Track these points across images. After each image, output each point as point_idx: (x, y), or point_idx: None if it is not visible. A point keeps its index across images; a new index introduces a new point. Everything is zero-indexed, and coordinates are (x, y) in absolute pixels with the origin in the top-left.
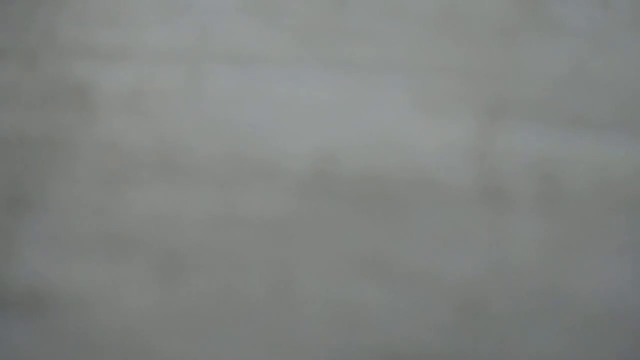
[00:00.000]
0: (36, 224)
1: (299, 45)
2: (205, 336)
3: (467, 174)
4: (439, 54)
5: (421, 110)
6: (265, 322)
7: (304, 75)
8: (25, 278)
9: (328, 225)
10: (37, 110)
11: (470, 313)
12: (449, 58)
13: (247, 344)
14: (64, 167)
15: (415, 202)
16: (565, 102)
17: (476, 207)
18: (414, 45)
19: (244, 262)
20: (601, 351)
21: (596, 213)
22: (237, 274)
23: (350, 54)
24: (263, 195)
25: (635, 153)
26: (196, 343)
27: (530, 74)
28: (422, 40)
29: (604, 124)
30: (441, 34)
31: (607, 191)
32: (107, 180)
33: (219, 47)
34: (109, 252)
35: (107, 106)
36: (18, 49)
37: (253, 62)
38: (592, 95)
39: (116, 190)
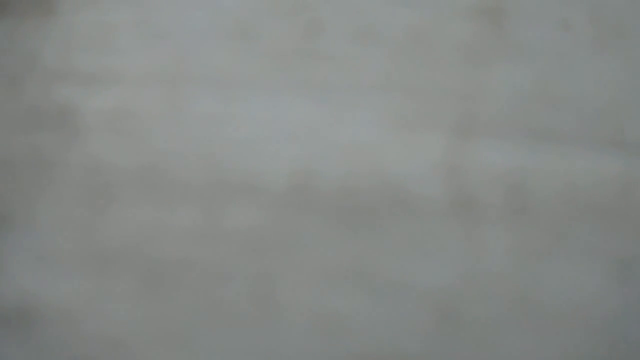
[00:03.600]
0: (21, 241)
1: (275, 68)
2: (191, 347)
3: (439, 188)
4: (410, 76)
5: (394, 129)
6: (249, 332)
7: (280, 96)
8: (12, 295)
9: (307, 238)
10: (21, 132)
11: (446, 319)
12: (420, 79)
13: (231, 354)
14: (48, 187)
15: (390, 215)
16: (530, 118)
17: (449, 218)
18: (386, 68)
19: (226, 275)
20: (572, 353)
21: (563, 221)
22: (220, 287)
23: (325, 76)
24: (244, 210)
25: (598, 164)
26: (182, 354)
27: (497, 92)
28: (393, 62)
29: (568, 137)
30: (412, 56)
31: (573, 200)
32: (90, 198)
33: (198, 71)
34: (94, 268)
35: (89, 128)
36: (1, 72)
37: (231, 84)
38: (556, 111)
39: (100, 208)
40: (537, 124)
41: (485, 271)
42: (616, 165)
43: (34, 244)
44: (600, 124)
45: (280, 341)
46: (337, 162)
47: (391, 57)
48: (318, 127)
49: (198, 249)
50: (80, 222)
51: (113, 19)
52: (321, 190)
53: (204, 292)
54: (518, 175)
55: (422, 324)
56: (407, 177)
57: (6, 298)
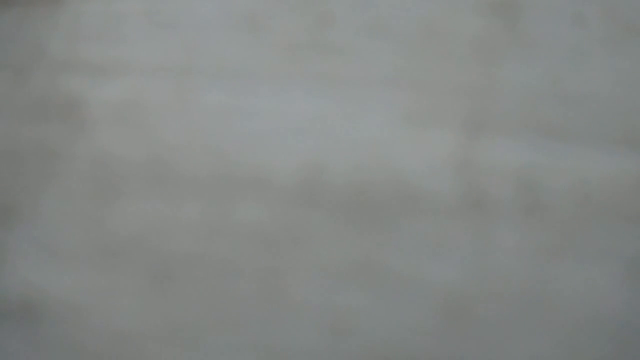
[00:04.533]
0: (28, 234)
1: (285, 61)
2: (198, 343)
3: (450, 185)
4: (421, 70)
5: (405, 124)
6: (257, 328)
7: (291, 90)
8: (18, 288)
9: (317, 234)
10: (28, 123)
11: (456, 318)
12: (432, 74)
13: (238, 348)
14: (55, 178)
15: (400, 211)
16: (543, 116)
17: (460, 216)
18: (398, 62)
19: (235, 270)
20: (583, 353)
21: (575, 221)
22: (228, 282)
23: (336, 70)
24: (253, 205)
25: (610, 163)
26: (190, 349)
27: (510, 89)
28: (405, 57)
29: (580, 135)
30: (423, 51)
31: (584, 199)
32: (98, 191)
33: (208, 63)
34: (101, 262)
35: (97, 119)
36: (8, 62)
37: (241, 77)
38: (569, 109)
39: (107, 200)
40: (549, 121)
41: (494, 269)
42: (628, 164)
43: (40, 237)
44: (613, 122)
45: (288, 336)
46: (347, 157)
47: (402, 51)
48: (328, 121)
49: (206, 243)
50: (87, 215)
51: (121, 9)
52: (330, 185)
53: (212, 287)
54: (529, 172)
55: (431, 321)
56: (417, 173)
57: (12, 291)
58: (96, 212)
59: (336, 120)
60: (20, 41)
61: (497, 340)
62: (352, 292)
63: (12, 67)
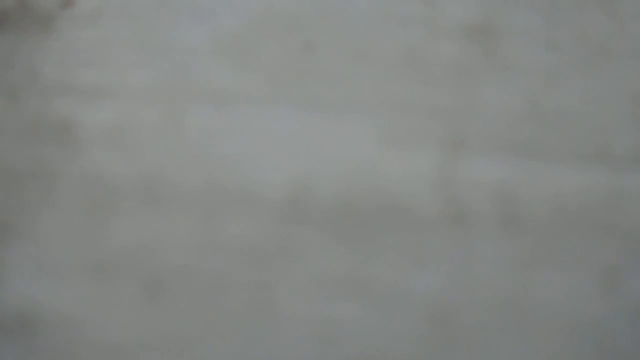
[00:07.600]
0: (23, 251)
1: (272, 85)
2: (191, 354)
3: (432, 201)
4: (402, 93)
5: (388, 144)
6: (248, 339)
7: (277, 111)
8: (14, 302)
9: (305, 248)
10: (22, 144)
11: (439, 326)
12: (413, 96)
13: None
14: (49, 198)
15: (385, 226)
16: (520, 135)
17: (442, 230)
18: (380, 85)
19: (225, 284)
20: (562, 358)
21: (552, 233)
22: (219, 296)
23: (321, 93)
24: (242, 222)
25: (584, 177)
26: None
27: (488, 110)
28: (386, 80)
29: (555, 153)
30: (404, 74)
31: (561, 213)
32: (91, 209)
33: (196, 86)
34: (94, 277)
35: (89, 141)
36: (2, 86)
37: (229, 99)
38: (544, 128)
39: (100, 218)
40: (525, 139)
41: (476, 279)
42: (602, 179)
43: (36, 253)
44: (585, 139)
45: (278, 348)
46: (333, 175)
47: (384, 75)
48: (314, 141)
49: (197, 257)
50: (82, 231)
51: (112, 35)
52: (317, 201)
53: (204, 299)
54: (507, 188)
55: (416, 332)
56: (400, 189)
57: (8, 305)
58: (90, 228)
59: (322, 140)
60: (14, 66)
61: (479, 347)
62: (340, 303)
63: (6, 91)
